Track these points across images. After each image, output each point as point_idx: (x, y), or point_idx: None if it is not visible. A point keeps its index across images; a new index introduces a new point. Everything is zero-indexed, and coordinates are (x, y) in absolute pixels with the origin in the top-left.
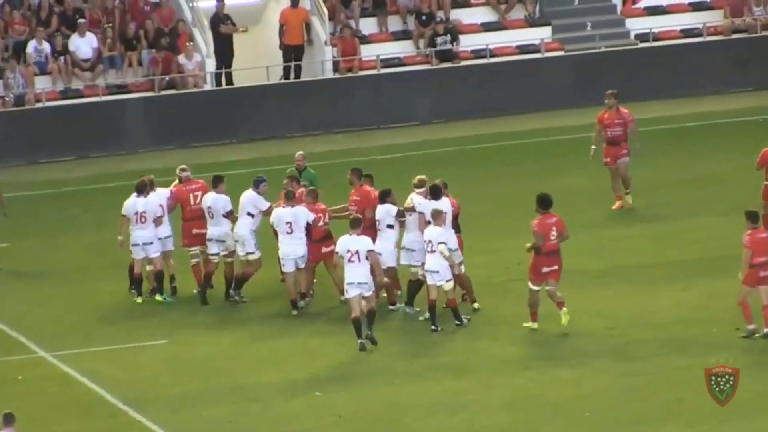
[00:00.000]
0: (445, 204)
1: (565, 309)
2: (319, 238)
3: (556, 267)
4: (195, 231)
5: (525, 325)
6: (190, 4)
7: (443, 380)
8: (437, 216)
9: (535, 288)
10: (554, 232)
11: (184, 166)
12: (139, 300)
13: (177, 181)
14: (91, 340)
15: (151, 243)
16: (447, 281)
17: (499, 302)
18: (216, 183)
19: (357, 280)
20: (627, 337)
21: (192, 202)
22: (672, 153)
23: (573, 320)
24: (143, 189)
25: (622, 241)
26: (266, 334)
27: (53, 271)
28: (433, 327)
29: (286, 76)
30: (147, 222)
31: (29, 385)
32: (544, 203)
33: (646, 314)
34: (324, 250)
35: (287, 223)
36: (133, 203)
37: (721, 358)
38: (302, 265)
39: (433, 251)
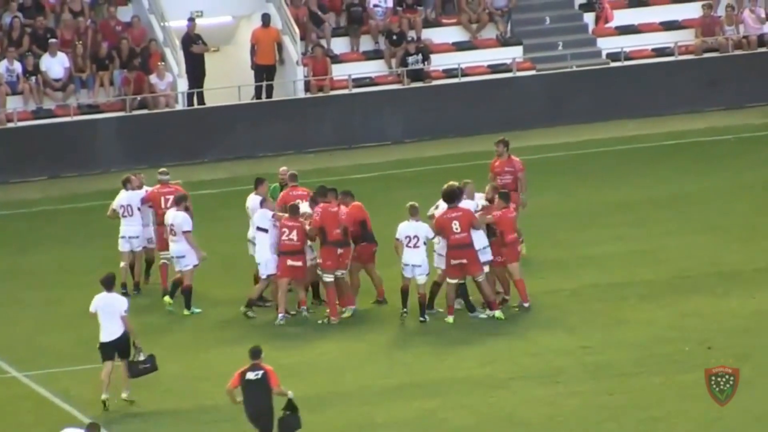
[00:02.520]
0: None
1: (497, 312)
2: (285, 251)
3: (464, 260)
4: (164, 236)
5: (446, 319)
6: (162, 24)
7: (416, 399)
8: (415, 211)
9: (451, 281)
10: (457, 226)
11: (164, 169)
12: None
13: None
14: (64, 359)
15: (137, 237)
16: (427, 275)
17: (470, 320)
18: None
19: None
20: (600, 356)
21: (163, 205)
22: (644, 172)
23: (547, 339)
24: (127, 183)
25: (593, 260)
26: (239, 354)
27: (25, 290)
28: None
29: (257, 95)
30: (134, 215)
31: (1, 406)
32: (447, 197)
33: (619, 333)
34: (289, 263)
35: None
36: (119, 197)
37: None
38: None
39: (417, 246)
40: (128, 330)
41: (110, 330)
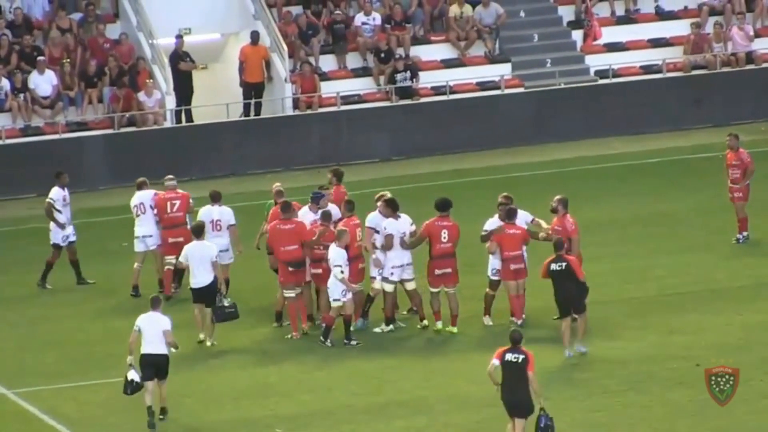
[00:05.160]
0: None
1: (454, 328)
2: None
3: (449, 270)
4: (171, 240)
5: (434, 328)
6: (150, 42)
7: (403, 417)
8: (340, 236)
9: (433, 290)
10: (445, 235)
11: (171, 176)
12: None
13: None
14: (51, 377)
15: (151, 235)
16: (334, 300)
17: (461, 337)
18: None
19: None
20: (587, 374)
21: (169, 210)
22: (631, 190)
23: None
24: (142, 185)
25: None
26: (224, 371)
27: (13, 307)
28: (321, 339)
29: (246, 113)
30: (146, 213)
31: None
32: (439, 206)
33: (606, 350)
34: (312, 271)
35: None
36: (133, 198)
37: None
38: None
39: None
40: (217, 276)
41: (199, 277)
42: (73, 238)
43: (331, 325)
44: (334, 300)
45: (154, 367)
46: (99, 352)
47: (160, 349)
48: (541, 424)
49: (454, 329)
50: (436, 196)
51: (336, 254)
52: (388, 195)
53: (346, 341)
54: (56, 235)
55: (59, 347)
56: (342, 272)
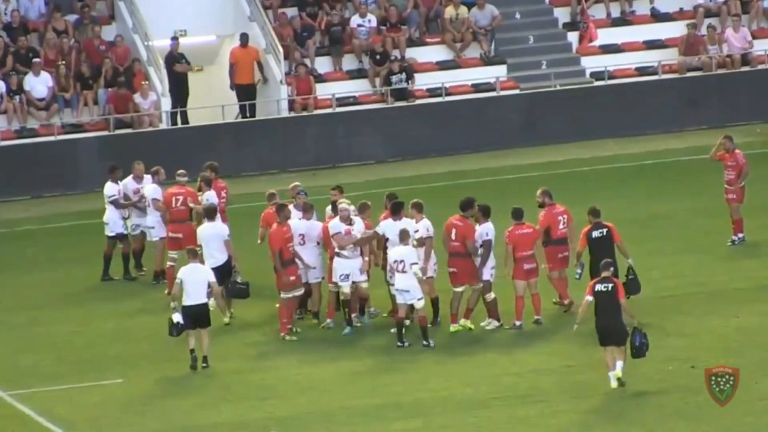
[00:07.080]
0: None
1: (466, 321)
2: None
3: (454, 270)
4: (171, 234)
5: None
6: (145, 43)
7: (398, 420)
8: (405, 236)
9: (455, 289)
10: (454, 234)
11: (182, 171)
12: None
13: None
14: (48, 379)
15: (153, 227)
16: (418, 300)
17: (457, 340)
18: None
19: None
20: (583, 375)
21: (173, 205)
22: (627, 191)
23: (529, 358)
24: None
25: (576, 279)
26: (220, 373)
27: (9, 309)
28: (399, 343)
29: (243, 114)
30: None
31: None
32: (460, 205)
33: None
34: None
35: (300, 235)
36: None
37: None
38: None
39: (404, 271)
40: (230, 255)
41: (214, 257)
42: (112, 233)
43: (402, 324)
44: (418, 300)
45: (195, 317)
46: (95, 354)
47: (200, 299)
48: (636, 342)
49: (465, 322)
50: (432, 198)
51: (410, 253)
52: (369, 203)
53: (425, 343)
54: (115, 226)
55: (55, 349)
56: (421, 269)
